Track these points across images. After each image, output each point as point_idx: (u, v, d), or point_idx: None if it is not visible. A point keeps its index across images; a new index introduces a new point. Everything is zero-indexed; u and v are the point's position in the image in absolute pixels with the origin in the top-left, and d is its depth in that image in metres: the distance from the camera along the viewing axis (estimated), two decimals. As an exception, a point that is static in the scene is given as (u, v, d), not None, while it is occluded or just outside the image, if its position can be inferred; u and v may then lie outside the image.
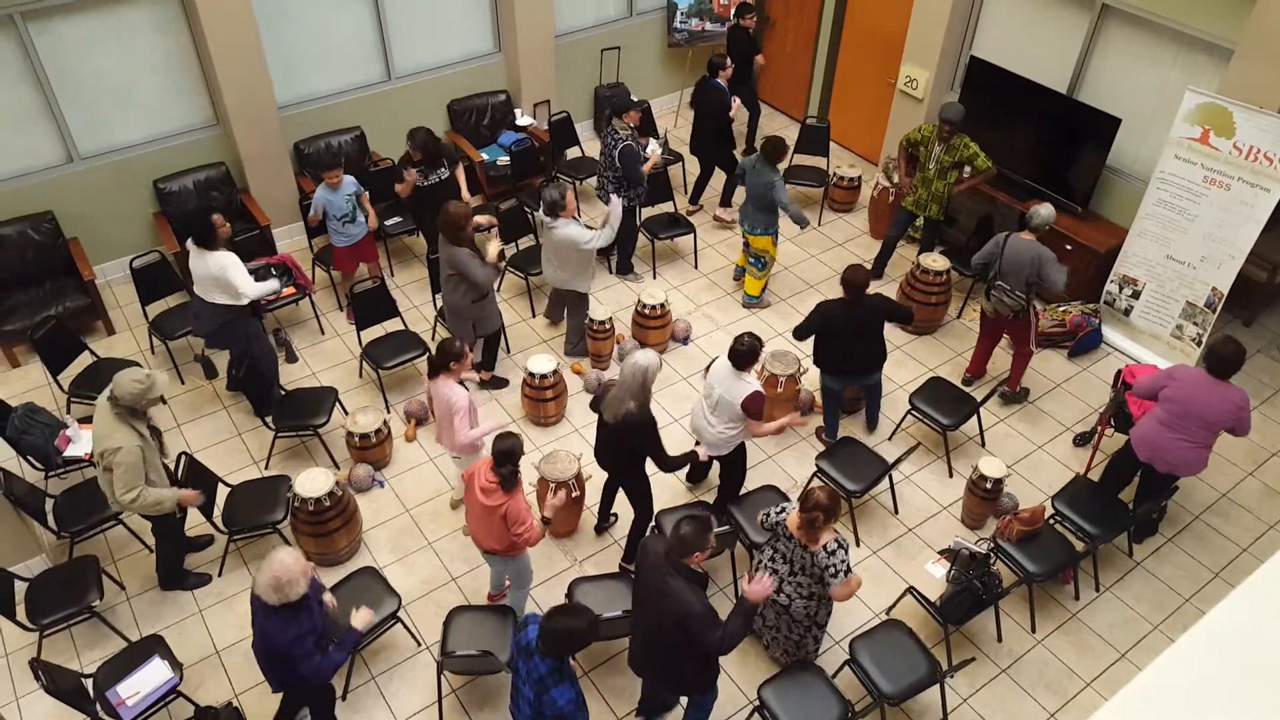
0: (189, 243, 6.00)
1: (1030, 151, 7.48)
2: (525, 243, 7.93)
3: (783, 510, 4.75)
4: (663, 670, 4.44)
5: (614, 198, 6.74)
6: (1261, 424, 6.74)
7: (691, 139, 8.45)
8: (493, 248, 6.32)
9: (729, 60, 8.02)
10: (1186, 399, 5.16)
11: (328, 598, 4.46)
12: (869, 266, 5.91)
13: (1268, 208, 6.14)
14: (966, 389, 6.44)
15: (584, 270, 6.69)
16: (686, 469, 6.08)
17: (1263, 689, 1.63)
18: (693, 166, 8.82)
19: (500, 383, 6.93)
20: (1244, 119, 6.06)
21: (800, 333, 6.07)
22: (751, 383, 5.27)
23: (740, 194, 7.64)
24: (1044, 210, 6.10)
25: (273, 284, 6.26)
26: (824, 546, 4.53)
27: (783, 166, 7.06)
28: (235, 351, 6.39)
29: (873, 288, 6.36)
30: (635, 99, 7.25)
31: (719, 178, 8.66)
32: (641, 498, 5.44)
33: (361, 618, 4.35)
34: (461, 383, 5.37)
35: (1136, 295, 7.03)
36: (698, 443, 5.57)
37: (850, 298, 5.87)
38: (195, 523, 5.77)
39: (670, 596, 4.06)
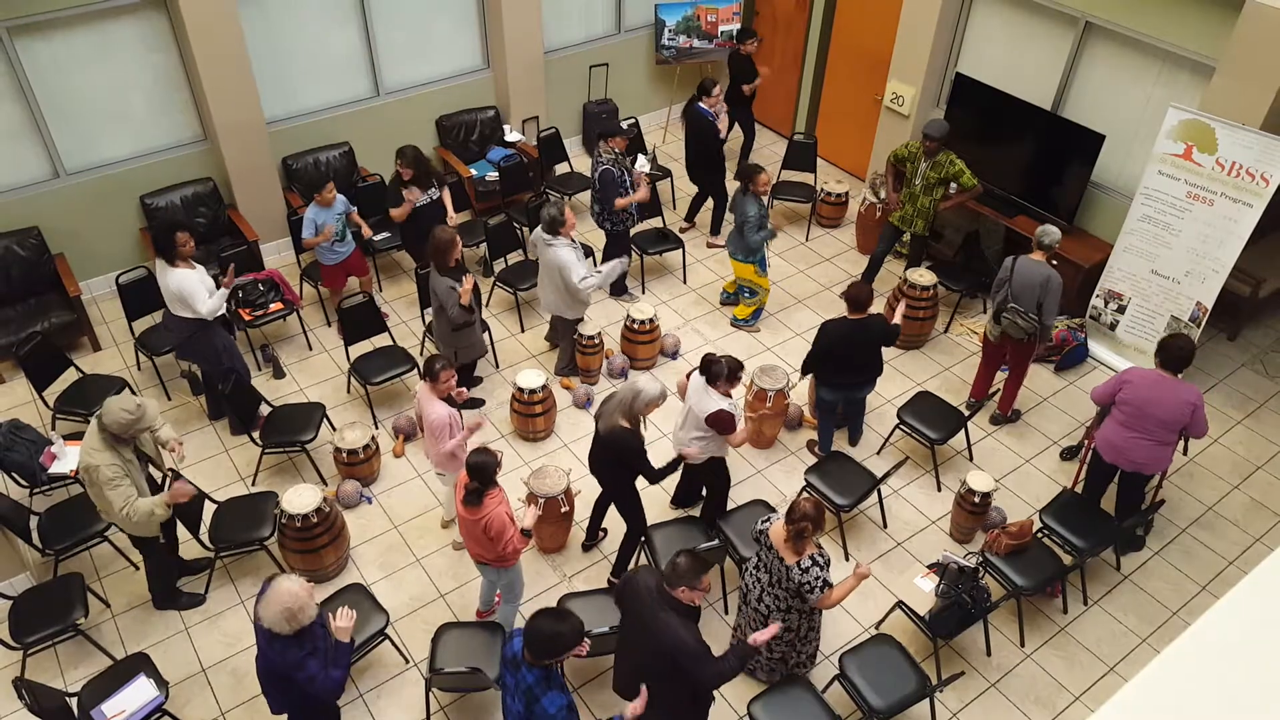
0: (158, 258, 5.96)
1: (1016, 167, 7.54)
2: (514, 258, 7.94)
3: (767, 520, 4.77)
4: (651, 699, 4.39)
5: (613, 263, 6.76)
6: (1246, 437, 6.78)
7: (685, 161, 8.49)
8: (466, 286, 6.17)
9: (717, 85, 8.04)
10: (1140, 399, 5.32)
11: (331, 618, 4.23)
12: (870, 285, 5.96)
13: (1250, 223, 6.20)
14: (971, 412, 6.43)
15: (575, 301, 6.63)
16: (674, 493, 6.15)
17: (1248, 699, 1.64)
18: (684, 184, 8.84)
19: (476, 403, 6.86)
20: (1226, 135, 6.13)
21: (810, 361, 6.09)
22: (717, 400, 5.26)
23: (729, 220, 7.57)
24: (1054, 230, 6.13)
25: (222, 294, 6.06)
26: (798, 563, 4.53)
27: (764, 193, 6.97)
28: (208, 366, 6.34)
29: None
30: (625, 124, 7.18)
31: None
32: (630, 511, 5.44)
33: (341, 628, 4.14)
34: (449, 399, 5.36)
35: (1122, 310, 7.08)
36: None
37: (854, 314, 5.90)
38: (187, 542, 5.73)
39: (661, 630, 4.02)
